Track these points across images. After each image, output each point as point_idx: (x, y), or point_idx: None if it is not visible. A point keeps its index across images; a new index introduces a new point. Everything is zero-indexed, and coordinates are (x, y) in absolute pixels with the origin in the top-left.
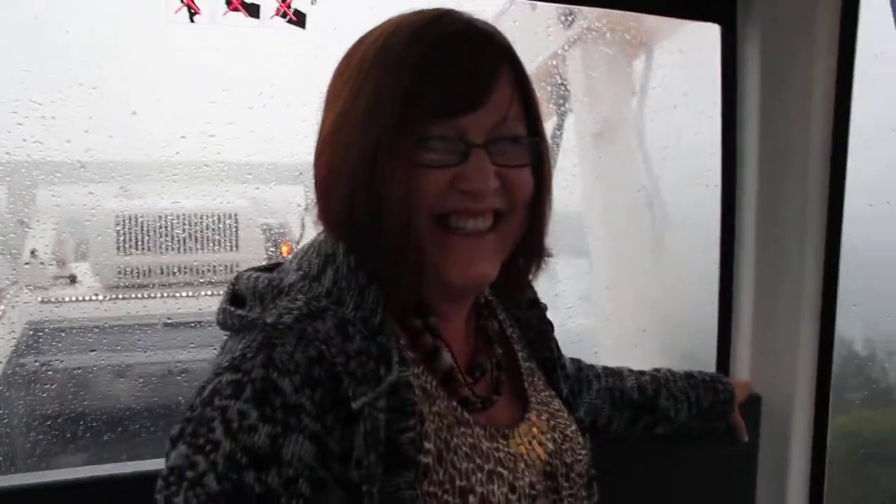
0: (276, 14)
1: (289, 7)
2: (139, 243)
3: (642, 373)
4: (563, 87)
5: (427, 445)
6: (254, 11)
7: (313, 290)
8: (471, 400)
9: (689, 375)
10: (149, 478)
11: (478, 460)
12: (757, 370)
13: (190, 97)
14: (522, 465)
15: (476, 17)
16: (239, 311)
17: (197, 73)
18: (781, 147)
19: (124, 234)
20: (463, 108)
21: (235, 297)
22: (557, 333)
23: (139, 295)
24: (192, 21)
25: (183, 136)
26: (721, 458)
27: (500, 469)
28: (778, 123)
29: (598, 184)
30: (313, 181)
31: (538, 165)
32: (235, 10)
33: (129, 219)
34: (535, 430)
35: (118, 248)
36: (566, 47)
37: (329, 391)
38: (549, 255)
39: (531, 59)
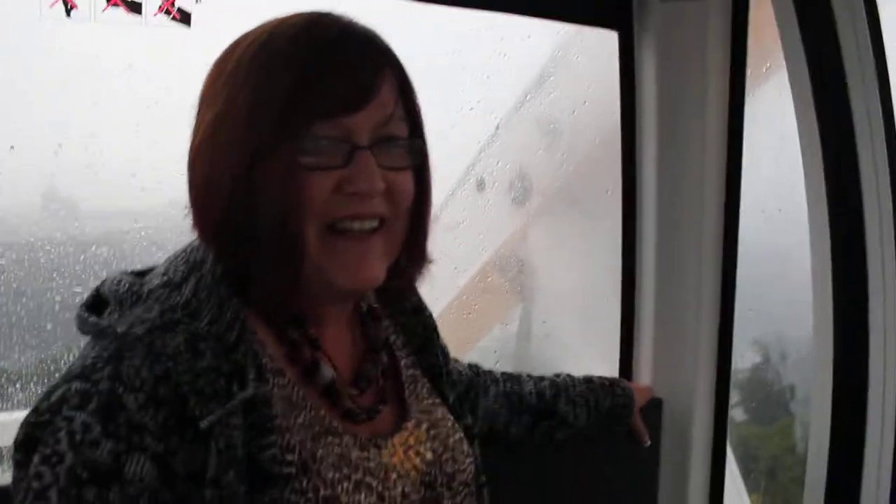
0: (160, 11)
1: (172, 5)
2: None
3: (542, 378)
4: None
5: (290, 457)
6: (135, 8)
7: (171, 300)
8: (354, 412)
9: (588, 380)
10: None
11: (345, 470)
12: (658, 375)
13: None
14: (395, 475)
15: (356, 20)
16: (92, 318)
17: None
18: (679, 153)
19: None
20: (347, 107)
21: (98, 300)
22: None
23: None
24: (68, 16)
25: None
26: (624, 461)
27: (368, 479)
28: (675, 127)
29: None
30: (188, 186)
31: (419, 169)
32: (115, 5)
33: None
34: (411, 439)
35: None
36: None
37: (174, 411)
38: (430, 261)
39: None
